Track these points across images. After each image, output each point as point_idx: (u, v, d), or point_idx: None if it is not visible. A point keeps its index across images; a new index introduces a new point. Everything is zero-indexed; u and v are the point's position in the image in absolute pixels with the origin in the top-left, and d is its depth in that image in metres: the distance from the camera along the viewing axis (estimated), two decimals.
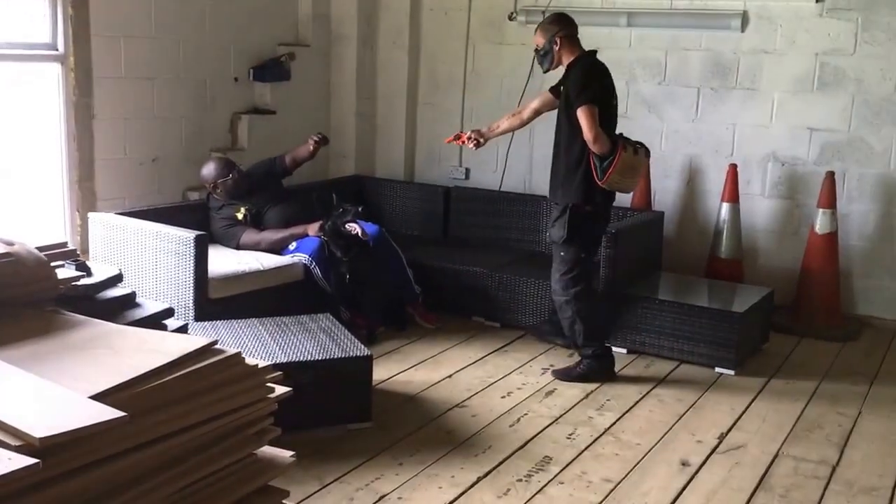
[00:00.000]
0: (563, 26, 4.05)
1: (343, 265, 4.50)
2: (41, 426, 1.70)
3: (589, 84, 3.93)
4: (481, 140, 4.45)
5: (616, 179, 3.92)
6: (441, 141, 6.21)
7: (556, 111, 4.17)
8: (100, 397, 1.85)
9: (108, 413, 1.78)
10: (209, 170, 4.72)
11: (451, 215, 5.66)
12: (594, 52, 4.11)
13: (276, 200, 4.78)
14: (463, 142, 4.48)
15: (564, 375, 4.15)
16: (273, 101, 5.61)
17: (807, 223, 5.21)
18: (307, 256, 4.48)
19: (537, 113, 4.38)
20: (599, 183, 3.93)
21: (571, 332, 4.15)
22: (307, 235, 4.55)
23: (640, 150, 3.99)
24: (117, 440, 1.83)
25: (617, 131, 4.07)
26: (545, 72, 4.21)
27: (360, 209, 4.61)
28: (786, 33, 5.23)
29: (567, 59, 4.05)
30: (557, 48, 4.03)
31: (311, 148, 4.86)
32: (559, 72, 4.15)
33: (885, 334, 4.99)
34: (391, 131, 6.28)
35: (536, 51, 4.13)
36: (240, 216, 4.66)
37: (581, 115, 3.87)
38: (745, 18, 5.31)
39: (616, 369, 4.25)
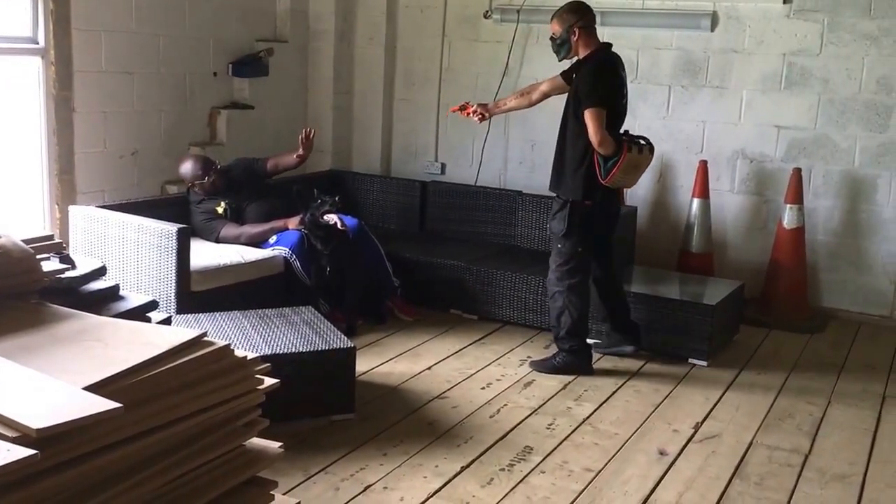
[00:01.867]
0: (581, 16, 4.02)
1: (323, 258, 4.53)
2: (38, 417, 1.71)
3: (599, 85, 3.94)
4: (486, 115, 4.45)
5: (619, 178, 3.97)
6: (417, 136, 6.29)
7: (556, 99, 4.23)
8: (93, 389, 1.86)
9: (104, 404, 1.79)
10: (187, 169, 4.71)
11: (427, 210, 5.71)
12: (609, 46, 4.11)
13: (256, 196, 4.79)
14: (468, 114, 4.47)
15: (541, 367, 4.22)
16: (251, 95, 5.62)
17: (775, 218, 5.34)
18: (287, 250, 4.50)
19: (545, 96, 4.39)
20: (602, 181, 3.96)
21: (557, 323, 4.20)
22: (287, 229, 4.58)
23: (645, 148, 4.01)
24: (112, 431, 1.84)
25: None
26: (560, 60, 4.19)
27: (337, 199, 4.64)
28: (754, 33, 5.34)
29: (583, 52, 4.04)
30: (575, 38, 4.00)
31: (297, 155, 4.82)
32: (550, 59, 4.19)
33: (850, 326, 5.14)
34: (368, 126, 6.31)
35: (552, 39, 4.09)
36: (220, 211, 4.66)
37: (588, 117, 3.89)
38: (714, 18, 5.41)
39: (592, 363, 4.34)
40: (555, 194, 4.18)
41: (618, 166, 3.91)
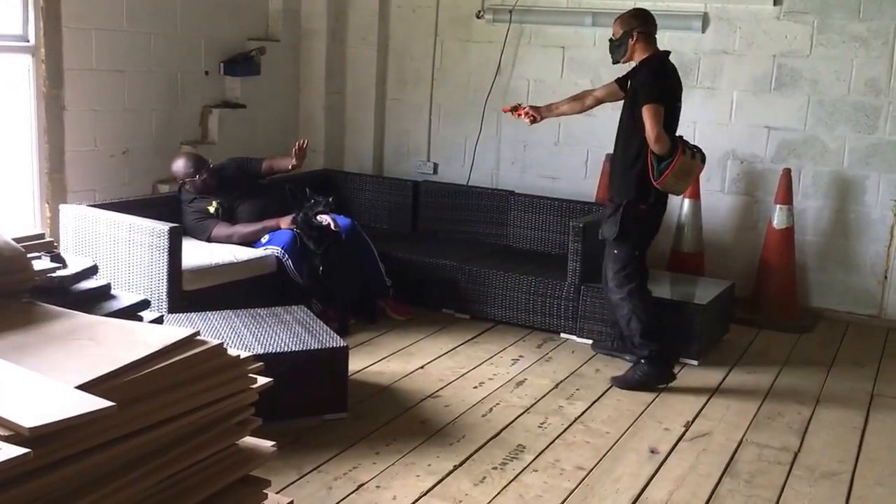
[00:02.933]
0: (642, 22, 4.01)
1: (316, 257, 4.53)
2: (31, 416, 1.71)
3: (657, 84, 3.92)
4: (538, 117, 4.40)
5: (671, 181, 3.91)
6: (409, 136, 6.30)
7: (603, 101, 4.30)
8: (86, 388, 1.87)
9: (97, 403, 1.80)
10: (178, 166, 4.71)
11: (419, 209, 5.71)
12: (667, 53, 4.09)
13: (247, 195, 4.78)
14: (520, 115, 4.42)
15: (622, 383, 4.05)
16: (243, 95, 5.61)
17: (764, 218, 5.37)
18: (280, 249, 4.50)
19: (599, 102, 4.37)
20: (654, 183, 3.91)
21: (629, 332, 4.09)
22: (280, 228, 4.58)
23: (697, 155, 3.96)
24: (104, 430, 1.85)
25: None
26: (614, 63, 4.17)
27: (330, 199, 4.64)
28: (745, 35, 5.37)
29: (640, 56, 4.02)
30: (633, 42, 3.99)
31: (292, 165, 4.80)
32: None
33: (839, 326, 5.17)
34: (360, 126, 6.31)
35: (611, 40, 4.09)
36: (211, 210, 4.65)
37: (646, 113, 3.85)
38: (705, 20, 5.44)
39: (582, 360, 4.36)
40: (608, 197, 4.12)
41: (671, 168, 3.85)
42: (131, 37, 4.91)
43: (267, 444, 2.30)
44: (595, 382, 4.11)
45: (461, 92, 6.08)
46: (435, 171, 6.24)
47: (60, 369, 1.96)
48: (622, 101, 4.16)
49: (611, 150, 5.49)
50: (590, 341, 4.60)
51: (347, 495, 2.96)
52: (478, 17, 5.98)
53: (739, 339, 4.83)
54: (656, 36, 4.09)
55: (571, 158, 5.85)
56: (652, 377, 4.05)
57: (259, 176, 4.93)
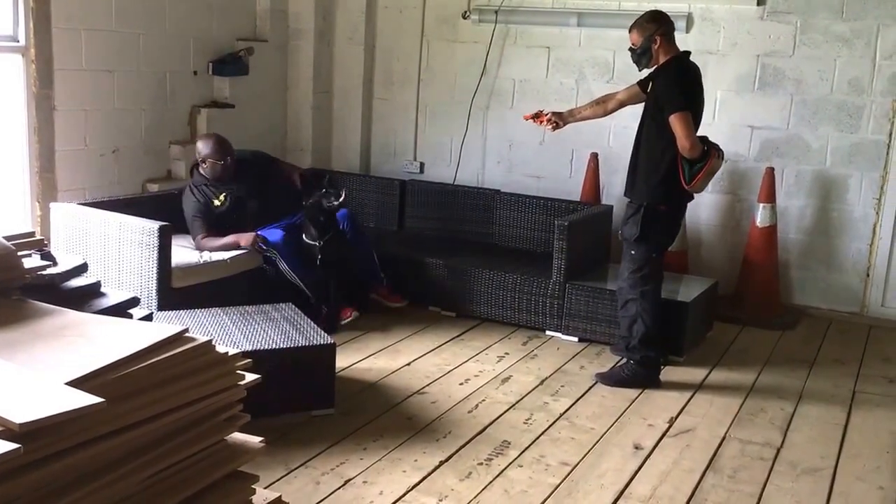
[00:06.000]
0: (661, 24, 3.94)
1: (315, 248, 4.54)
2: (21, 412, 1.73)
3: (681, 89, 3.87)
4: (560, 123, 4.35)
5: (702, 183, 3.88)
6: (396, 135, 6.33)
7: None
8: (75, 384, 1.88)
9: (86, 399, 1.80)
10: (205, 145, 4.62)
11: (406, 208, 5.75)
12: (688, 53, 4.03)
13: (257, 191, 4.74)
14: (542, 122, 4.37)
15: (608, 379, 4.09)
16: (231, 94, 5.63)
17: (748, 217, 5.42)
18: (273, 251, 4.51)
19: (622, 105, 4.31)
20: (686, 187, 3.88)
21: (629, 332, 4.11)
22: (238, 246, 4.49)
23: (721, 154, 3.94)
24: (94, 426, 1.86)
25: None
26: (641, 70, 4.11)
27: (343, 195, 4.59)
28: (728, 35, 5.42)
29: (663, 59, 3.96)
30: (657, 47, 3.92)
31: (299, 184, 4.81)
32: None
33: (821, 323, 5.22)
34: (347, 125, 6.34)
35: (632, 50, 4.02)
36: (217, 203, 4.59)
37: (675, 122, 3.80)
38: (689, 20, 5.48)
39: (567, 357, 4.41)
40: (629, 199, 4.10)
41: (703, 171, 3.83)
42: (121, 37, 4.92)
43: (255, 440, 2.32)
44: (580, 379, 4.16)
45: (447, 92, 6.12)
46: (421, 171, 6.27)
47: (50, 366, 1.97)
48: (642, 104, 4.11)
49: (596, 150, 5.66)
50: (575, 339, 4.64)
51: (334, 490, 2.99)
52: (464, 17, 6.01)
53: (723, 337, 4.88)
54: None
55: (556, 158, 5.89)
56: (639, 379, 4.08)
57: (280, 178, 4.90)
